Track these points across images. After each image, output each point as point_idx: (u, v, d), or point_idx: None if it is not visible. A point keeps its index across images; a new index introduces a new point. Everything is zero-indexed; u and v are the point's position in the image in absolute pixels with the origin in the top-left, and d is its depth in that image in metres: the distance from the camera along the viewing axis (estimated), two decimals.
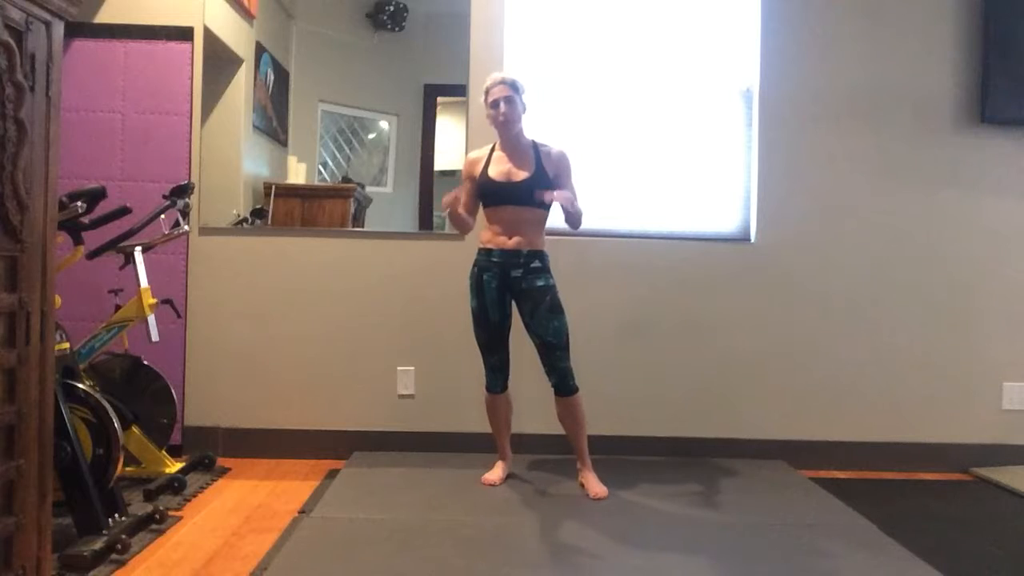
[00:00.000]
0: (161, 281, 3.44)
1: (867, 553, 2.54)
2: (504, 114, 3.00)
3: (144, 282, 3.12)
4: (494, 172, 3.06)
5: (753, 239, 3.71)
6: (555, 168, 3.04)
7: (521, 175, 3.03)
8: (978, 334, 3.70)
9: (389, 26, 3.99)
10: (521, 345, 3.17)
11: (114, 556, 2.38)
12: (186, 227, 3.32)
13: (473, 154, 3.19)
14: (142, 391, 3.22)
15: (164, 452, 3.18)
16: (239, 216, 3.76)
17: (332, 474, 3.31)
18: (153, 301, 3.15)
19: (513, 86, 3.02)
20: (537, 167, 3.03)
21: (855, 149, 3.69)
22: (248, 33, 3.85)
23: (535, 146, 3.08)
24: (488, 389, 3.18)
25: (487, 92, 3.05)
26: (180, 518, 2.77)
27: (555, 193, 2.92)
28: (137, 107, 3.54)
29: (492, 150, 3.12)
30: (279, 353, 3.61)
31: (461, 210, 3.01)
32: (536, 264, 3.05)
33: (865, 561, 2.47)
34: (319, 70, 4.06)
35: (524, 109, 3.07)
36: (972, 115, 3.68)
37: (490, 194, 3.06)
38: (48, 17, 1.89)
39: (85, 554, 2.28)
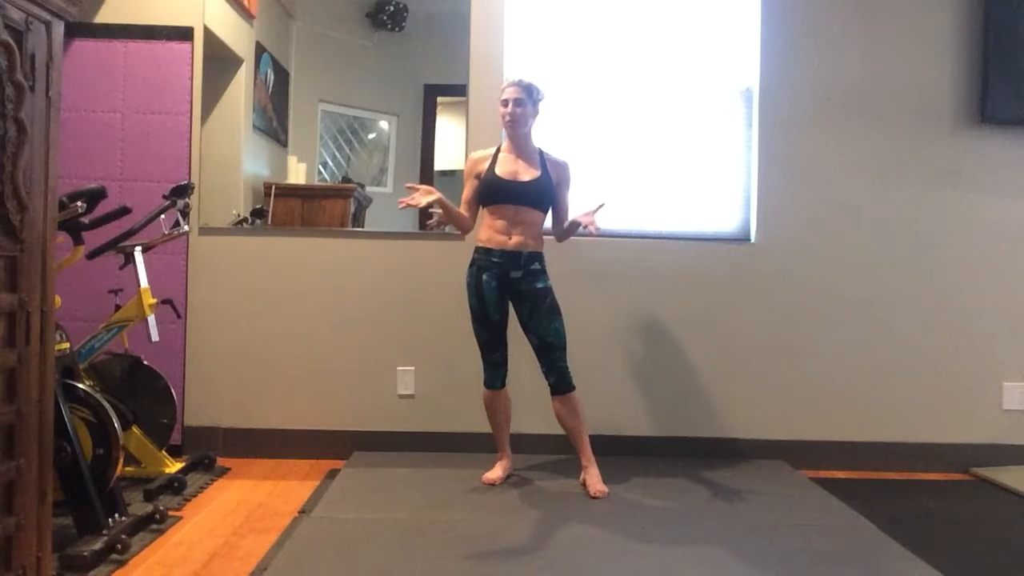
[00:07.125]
0: (161, 281, 3.44)
1: (867, 553, 2.54)
2: (510, 114, 3.08)
3: (144, 282, 3.12)
4: (501, 171, 3.10)
5: (753, 239, 3.71)
6: (558, 176, 3.14)
7: (528, 176, 3.09)
8: (978, 334, 3.70)
9: (389, 26, 3.99)
10: (519, 345, 3.17)
11: (114, 556, 2.38)
12: (186, 227, 3.32)
13: (477, 153, 3.21)
14: (142, 391, 3.22)
15: (164, 452, 3.19)
16: (239, 216, 3.76)
17: (332, 474, 3.31)
18: (153, 301, 3.15)
19: (527, 90, 3.09)
20: (543, 171, 3.10)
21: (855, 149, 3.69)
22: (248, 33, 3.84)
23: (541, 153, 3.15)
24: (488, 386, 3.18)
25: (502, 91, 3.13)
26: (180, 518, 2.77)
27: (588, 219, 3.01)
28: (137, 107, 3.54)
29: (498, 151, 3.15)
30: (279, 353, 3.61)
31: (444, 218, 3.12)
32: (536, 266, 3.09)
33: (865, 561, 2.47)
34: (319, 70, 4.06)
35: (535, 115, 3.13)
36: (972, 115, 3.68)
37: (495, 192, 3.09)
38: (48, 17, 1.89)
39: (85, 554, 2.28)
